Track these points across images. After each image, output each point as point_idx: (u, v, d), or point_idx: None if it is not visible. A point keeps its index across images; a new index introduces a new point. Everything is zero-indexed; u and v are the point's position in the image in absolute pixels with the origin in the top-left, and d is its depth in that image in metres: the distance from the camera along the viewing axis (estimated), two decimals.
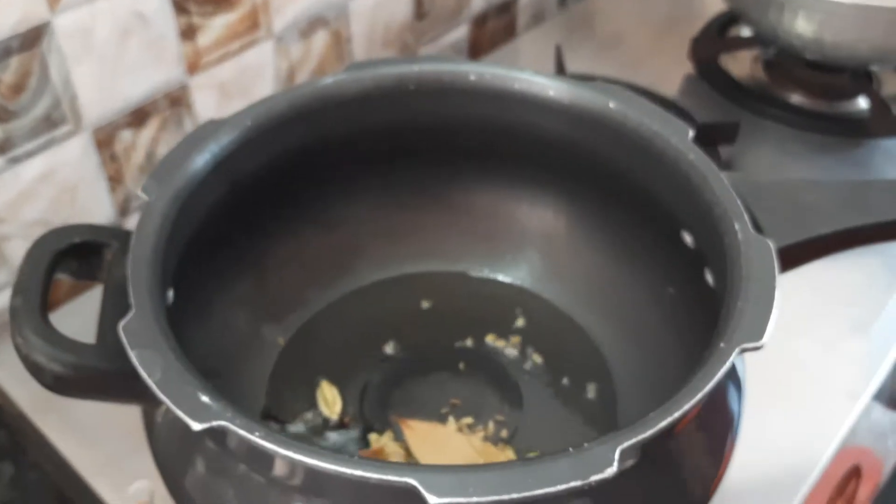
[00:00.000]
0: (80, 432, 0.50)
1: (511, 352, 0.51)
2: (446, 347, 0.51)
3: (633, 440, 0.28)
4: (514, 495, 0.26)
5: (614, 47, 0.84)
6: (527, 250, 0.54)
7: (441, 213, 0.54)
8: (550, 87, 0.46)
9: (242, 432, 0.28)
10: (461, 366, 0.50)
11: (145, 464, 0.46)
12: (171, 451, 0.37)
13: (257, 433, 0.28)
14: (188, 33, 0.58)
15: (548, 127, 0.47)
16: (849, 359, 0.55)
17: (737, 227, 0.37)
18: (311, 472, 0.28)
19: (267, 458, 0.31)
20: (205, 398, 0.29)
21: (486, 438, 0.46)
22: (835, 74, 0.76)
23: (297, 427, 0.47)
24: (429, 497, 0.26)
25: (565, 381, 0.49)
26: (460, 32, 0.83)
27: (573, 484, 0.27)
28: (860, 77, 0.77)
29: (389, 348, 0.51)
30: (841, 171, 0.71)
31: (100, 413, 0.46)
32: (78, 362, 0.33)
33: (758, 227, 0.39)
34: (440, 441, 0.43)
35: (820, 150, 0.73)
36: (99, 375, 0.33)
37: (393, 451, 0.45)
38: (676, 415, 0.29)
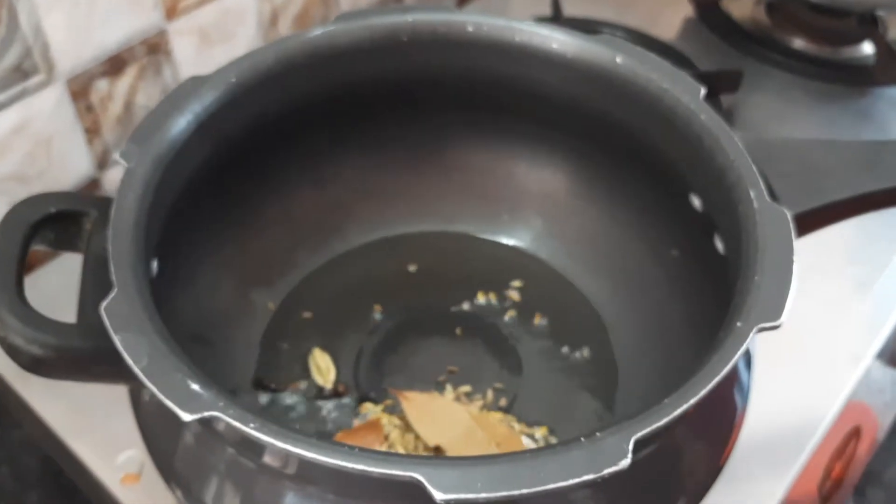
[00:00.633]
0: (66, 399, 0.48)
1: (509, 316, 0.50)
2: (442, 312, 0.50)
3: (648, 429, 0.27)
4: (525, 490, 0.25)
5: None
6: (525, 210, 0.52)
7: (436, 171, 0.51)
8: (554, 40, 0.43)
9: (236, 424, 0.27)
10: (458, 331, 0.49)
11: (135, 433, 0.45)
12: (159, 431, 0.35)
13: (252, 425, 0.27)
14: None
15: (549, 82, 0.45)
16: (852, 319, 0.55)
17: (752, 194, 0.35)
18: (307, 463, 0.27)
19: (258, 447, 0.30)
20: (195, 386, 0.28)
21: (484, 407, 0.45)
22: (840, 18, 0.74)
23: (290, 397, 0.45)
24: (434, 493, 0.25)
25: (564, 346, 0.48)
26: None
27: (586, 477, 0.25)
28: (866, 21, 0.75)
29: (383, 313, 0.49)
30: (845, 121, 0.69)
31: None
32: (58, 343, 0.31)
33: (771, 192, 0.37)
34: (438, 412, 0.42)
35: (823, 98, 0.72)
36: (81, 357, 0.31)
37: (389, 422, 0.43)
38: (693, 401, 0.28)
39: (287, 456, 0.29)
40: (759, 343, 0.41)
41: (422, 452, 0.42)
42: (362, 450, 0.26)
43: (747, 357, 0.37)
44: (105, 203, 0.36)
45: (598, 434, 0.27)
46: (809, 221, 0.38)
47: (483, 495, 0.25)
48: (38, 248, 0.36)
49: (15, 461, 0.57)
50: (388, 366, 0.47)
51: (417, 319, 0.49)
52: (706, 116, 0.39)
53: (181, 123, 0.38)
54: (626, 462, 0.26)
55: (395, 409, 0.45)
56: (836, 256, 0.58)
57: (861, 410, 0.56)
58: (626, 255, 0.49)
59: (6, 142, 0.52)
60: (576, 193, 0.51)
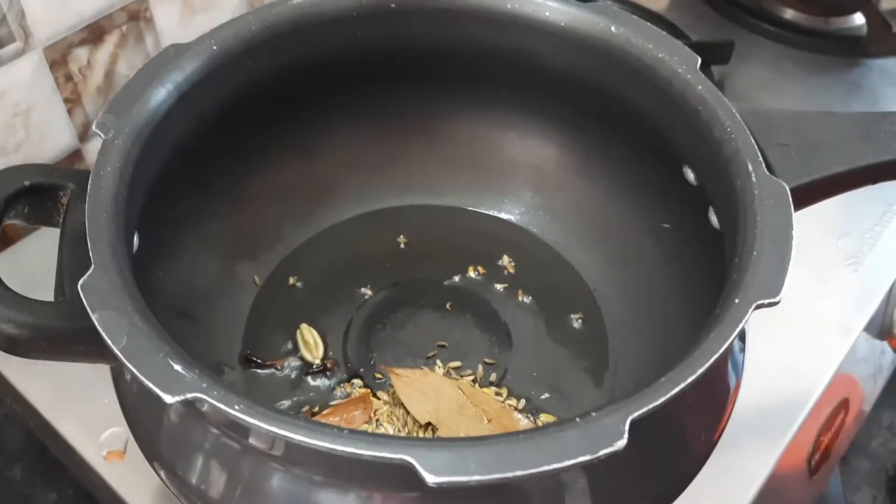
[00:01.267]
0: (48, 376, 0.47)
1: (499, 290, 0.49)
2: (432, 286, 0.49)
3: (645, 409, 0.26)
4: (519, 472, 0.24)
5: None
6: (516, 183, 0.51)
7: (424, 142, 0.50)
8: (547, 8, 0.42)
9: (221, 406, 0.26)
10: (448, 305, 0.48)
11: (119, 410, 0.44)
12: (142, 410, 0.34)
13: (237, 406, 0.26)
14: None
15: (542, 52, 0.44)
16: (842, 291, 0.55)
17: (750, 168, 0.34)
18: (294, 445, 0.26)
19: (243, 429, 0.29)
20: (177, 367, 0.27)
21: (475, 382, 0.44)
22: None
23: (278, 373, 0.44)
24: (426, 475, 0.24)
25: (555, 319, 0.48)
26: None
27: (581, 459, 0.25)
28: None
29: (372, 287, 0.48)
30: (836, 92, 0.69)
31: None
32: (34, 322, 0.30)
33: (767, 164, 0.36)
34: (429, 388, 0.41)
35: (815, 69, 0.71)
36: (59, 336, 0.30)
37: (378, 398, 0.43)
38: (690, 380, 0.27)
39: (273, 438, 0.28)
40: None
41: (411, 428, 0.41)
42: (352, 432, 0.25)
43: (742, 333, 0.36)
44: (83, 176, 0.35)
45: (593, 414, 0.26)
46: (807, 195, 0.37)
47: (476, 478, 0.24)
48: (12, 222, 0.35)
49: None
50: (377, 341, 0.46)
51: (407, 294, 0.48)
52: (703, 87, 0.38)
53: (161, 93, 0.36)
54: (622, 443, 0.25)
55: (384, 385, 0.44)
56: (826, 229, 0.58)
57: (848, 382, 0.56)
58: (618, 227, 0.48)
59: None
60: (567, 166, 0.50)
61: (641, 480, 0.33)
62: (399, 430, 0.41)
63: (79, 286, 0.29)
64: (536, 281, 0.49)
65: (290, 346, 0.46)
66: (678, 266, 0.45)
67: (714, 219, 0.38)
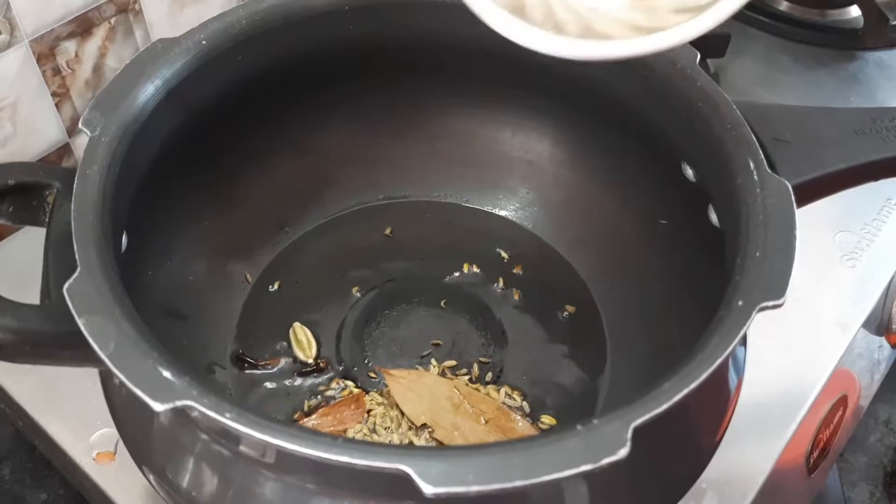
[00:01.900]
0: (36, 376, 0.46)
1: (494, 287, 0.48)
2: (426, 283, 0.48)
3: (648, 416, 0.25)
4: (519, 482, 0.24)
5: None
6: (510, 178, 0.51)
7: (418, 138, 0.50)
8: None
9: (212, 413, 0.25)
10: (442, 303, 0.47)
11: (108, 411, 0.43)
12: (131, 414, 0.34)
13: (228, 414, 0.25)
14: None
15: None
16: (840, 287, 0.54)
17: (752, 166, 0.34)
18: (285, 453, 0.25)
19: (234, 436, 0.28)
20: (166, 373, 0.26)
21: (471, 381, 0.44)
22: None
23: (270, 373, 0.44)
24: (423, 486, 0.24)
25: (552, 317, 0.47)
26: None
27: (584, 468, 0.24)
28: None
29: (365, 285, 0.48)
30: (833, 85, 0.68)
31: None
32: (18, 327, 0.29)
33: (768, 161, 0.36)
34: (425, 390, 0.41)
35: (811, 62, 0.70)
36: (44, 341, 0.30)
37: (372, 399, 0.42)
38: (693, 385, 0.26)
39: (265, 446, 0.28)
40: None
41: (406, 430, 0.41)
42: (346, 440, 0.25)
43: (744, 336, 0.36)
44: (69, 174, 0.34)
45: (594, 421, 0.25)
46: (808, 192, 0.36)
47: (475, 488, 0.24)
48: None
49: None
50: (370, 339, 0.45)
51: (401, 291, 0.48)
52: (702, 83, 0.37)
53: (149, 89, 0.35)
54: (624, 451, 0.25)
55: (377, 385, 0.43)
56: (824, 225, 0.57)
57: (846, 378, 0.56)
58: (614, 224, 0.47)
59: None
60: (562, 162, 0.49)
61: (643, 486, 0.32)
62: (393, 432, 0.41)
63: (64, 289, 0.28)
64: (532, 278, 0.49)
65: (282, 345, 0.45)
66: (675, 262, 0.44)
67: (714, 217, 0.38)
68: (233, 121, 0.42)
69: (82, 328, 0.27)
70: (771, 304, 0.29)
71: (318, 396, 0.43)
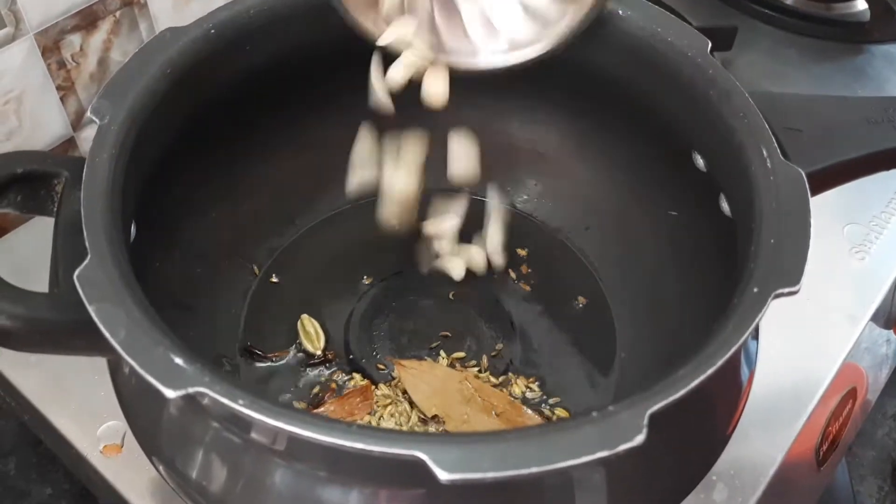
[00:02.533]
0: (41, 369, 0.46)
1: (502, 279, 0.48)
2: (434, 275, 0.48)
3: (664, 402, 0.25)
4: (535, 469, 0.24)
5: None
6: (518, 170, 0.50)
7: (426, 131, 0.49)
8: None
9: (224, 400, 0.25)
10: (451, 294, 0.47)
11: (115, 403, 0.43)
12: (140, 404, 0.33)
13: (241, 401, 0.25)
14: None
15: None
16: (849, 280, 0.54)
17: (765, 154, 0.33)
18: (297, 440, 0.25)
19: (245, 423, 0.28)
20: (178, 360, 0.26)
21: (480, 373, 0.43)
22: None
23: (278, 364, 0.43)
24: (439, 472, 0.23)
25: (560, 309, 0.47)
26: None
27: (600, 454, 0.24)
28: None
29: (373, 277, 0.48)
30: (840, 78, 0.68)
31: None
32: (28, 315, 0.29)
33: (780, 150, 0.35)
34: (436, 381, 0.40)
35: (817, 55, 0.70)
36: (53, 329, 0.29)
37: (381, 390, 0.42)
38: (709, 372, 0.26)
39: (276, 433, 0.27)
40: None
41: (416, 421, 0.40)
42: (361, 427, 0.25)
43: (759, 321, 0.35)
44: (78, 164, 0.33)
45: (610, 408, 0.25)
46: (821, 181, 0.36)
47: (490, 474, 0.23)
48: (5, 211, 0.34)
49: None
50: (379, 331, 0.45)
51: (409, 283, 0.47)
52: (714, 72, 0.37)
53: (157, 78, 0.35)
54: (641, 437, 0.24)
55: (386, 376, 0.43)
56: (833, 217, 0.57)
57: (855, 371, 0.56)
58: (623, 215, 0.47)
59: None
60: (570, 153, 0.49)
61: (657, 476, 0.32)
62: (402, 425, 0.40)
63: (75, 277, 0.27)
64: (540, 269, 0.48)
65: (290, 337, 0.45)
66: (685, 253, 0.44)
67: (725, 206, 0.38)
68: (239, 111, 0.41)
69: (93, 315, 0.27)
70: (786, 290, 0.29)
71: (327, 388, 0.43)
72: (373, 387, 0.42)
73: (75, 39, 0.55)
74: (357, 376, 0.43)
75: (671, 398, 0.25)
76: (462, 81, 0.48)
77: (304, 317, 0.45)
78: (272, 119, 0.45)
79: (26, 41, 0.52)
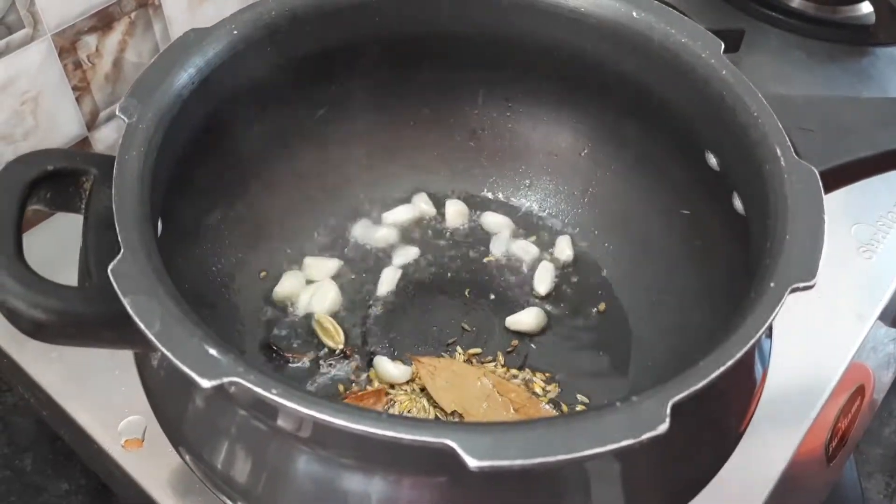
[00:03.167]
0: (62, 364, 0.47)
1: (516, 278, 0.49)
2: (449, 273, 0.48)
3: (686, 392, 0.26)
4: (562, 457, 0.24)
5: None
6: (531, 170, 0.51)
7: (441, 130, 0.50)
8: None
9: (258, 390, 0.25)
10: (466, 292, 0.48)
11: (135, 397, 0.43)
12: (168, 395, 0.34)
13: (274, 390, 0.25)
14: None
15: (562, 38, 0.43)
16: (857, 278, 0.54)
17: (779, 152, 0.34)
18: (323, 427, 0.26)
19: (272, 411, 0.29)
20: (212, 351, 0.26)
21: (497, 369, 0.44)
22: None
23: (297, 361, 0.44)
24: (468, 460, 0.24)
25: (574, 307, 0.47)
26: None
27: (625, 443, 0.25)
28: None
29: (389, 275, 0.48)
30: (845, 80, 0.69)
31: None
32: (62, 308, 0.30)
33: (794, 148, 0.36)
34: (455, 377, 0.41)
35: (823, 57, 0.71)
36: (87, 321, 0.30)
37: (398, 388, 0.42)
38: (729, 363, 0.27)
39: (307, 421, 0.28)
40: None
41: (433, 418, 0.41)
42: (391, 416, 0.25)
43: (775, 316, 0.36)
44: (105, 161, 0.34)
45: (634, 398, 0.26)
46: (832, 180, 0.37)
47: (519, 462, 0.24)
48: (35, 207, 0.35)
49: (9, 425, 0.56)
50: (396, 328, 0.46)
51: (425, 281, 0.48)
52: (727, 72, 0.37)
53: (183, 78, 0.36)
54: (664, 426, 0.25)
55: (404, 373, 0.44)
56: (840, 216, 0.57)
57: (863, 369, 0.56)
58: (635, 214, 0.48)
59: None
60: (583, 152, 0.50)
61: (673, 470, 0.33)
62: None
63: (109, 270, 0.28)
64: (554, 268, 0.49)
65: (309, 332, 0.45)
66: (696, 253, 0.45)
67: (738, 204, 0.38)
68: (261, 112, 0.42)
69: (128, 307, 0.27)
70: (802, 285, 0.29)
71: (344, 384, 0.44)
72: (387, 388, 0.43)
73: (91, 40, 0.55)
74: (374, 373, 0.44)
75: (693, 388, 0.26)
76: (478, 81, 0.49)
77: (321, 315, 0.46)
78: (291, 116, 0.45)
79: (44, 42, 0.52)
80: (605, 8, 0.41)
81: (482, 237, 0.50)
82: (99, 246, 0.31)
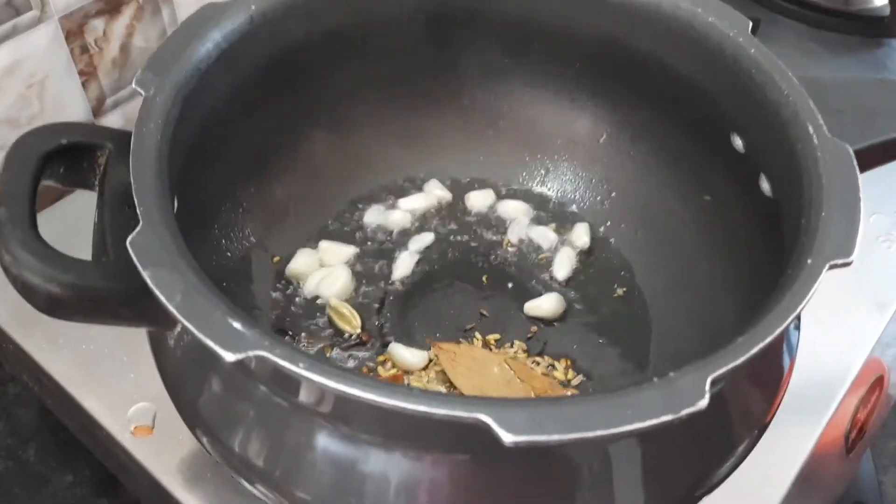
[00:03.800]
0: (70, 350, 0.46)
1: (534, 264, 0.48)
2: (466, 259, 0.48)
3: (725, 368, 0.25)
4: (600, 432, 0.23)
5: None
6: (550, 156, 0.50)
7: (458, 115, 0.49)
8: None
9: (285, 363, 0.25)
10: (484, 279, 0.47)
11: (145, 383, 0.42)
12: (184, 375, 0.33)
13: (301, 364, 0.25)
14: None
15: (583, 19, 0.43)
16: (876, 268, 0.54)
17: (811, 130, 0.33)
18: (353, 402, 0.25)
19: (293, 386, 0.28)
20: (237, 325, 0.25)
21: (516, 355, 0.43)
22: None
23: (312, 346, 0.43)
24: (503, 434, 0.23)
25: (593, 293, 0.47)
26: None
27: (664, 418, 0.24)
28: None
29: (405, 260, 0.47)
30: (859, 72, 0.68)
31: (92, 326, 0.42)
32: (78, 282, 0.29)
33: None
34: (475, 363, 0.40)
35: (837, 49, 0.70)
36: (105, 297, 0.29)
37: (417, 374, 0.42)
38: (770, 338, 0.26)
39: (333, 395, 0.27)
40: None
41: None
42: (423, 391, 0.24)
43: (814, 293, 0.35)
44: (121, 136, 0.33)
45: (671, 374, 0.25)
46: (863, 160, 0.36)
47: (556, 437, 0.23)
48: (48, 183, 0.34)
49: (11, 415, 0.55)
50: (412, 314, 0.45)
51: (441, 267, 0.47)
52: (756, 50, 0.37)
53: (202, 52, 0.35)
54: (704, 402, 0.24)
55: (422, 359, 0.43)
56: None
57: (879, 364, 0.56)
58: (656, 201, 0.47)
59: None
60: (602, 138, 0.49)
61: (696, 457, 0.32)
62: None
63: (128, 243, 0.27)
64: (573, 255, 0.48)
65: (324, 320, 0.45)
66: (719, 238, 0.44)
67: (766, 185, 0.37)
68: (276, 89, 0.41)
69: (147, 280, 0.26)
70: (840, 261, 0.29)
71: (359, 369, 0.43)
72: (403, 375, 0.42)
73: (99, 24, 0.55)
74: (388, 358, 0.43)
75: (732, 364, 0.25)
76: (496, 65, 0.48)
77: (336, 301, 0.45)
78: (306, 96, 0.44)
79: (51, 25, 0.52)
80: None
81: (499, 224, 0.50)
82: (114, 222, 0.31)
